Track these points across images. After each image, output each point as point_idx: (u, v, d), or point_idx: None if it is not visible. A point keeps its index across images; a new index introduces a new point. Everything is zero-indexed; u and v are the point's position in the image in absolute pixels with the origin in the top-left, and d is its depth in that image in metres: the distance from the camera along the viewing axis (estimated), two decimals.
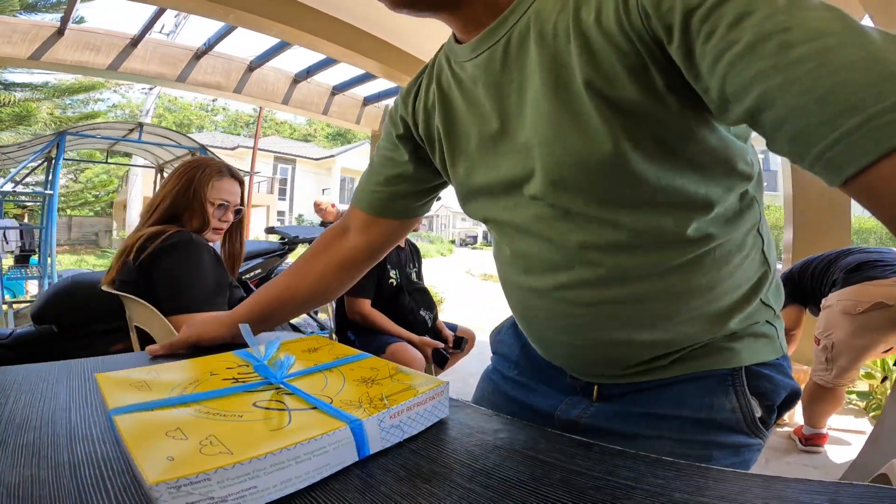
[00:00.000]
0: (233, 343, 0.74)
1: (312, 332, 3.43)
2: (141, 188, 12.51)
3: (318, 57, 4.88)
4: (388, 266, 2.29)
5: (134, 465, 0.34)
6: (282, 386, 0.47)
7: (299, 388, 0.46)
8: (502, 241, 0.65)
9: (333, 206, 4.89)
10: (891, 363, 3.04)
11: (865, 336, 2.21)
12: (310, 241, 3.04)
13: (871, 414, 3.05)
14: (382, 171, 0.75)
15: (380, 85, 5.82)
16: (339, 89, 5.77)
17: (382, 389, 0.46)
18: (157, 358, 0.71)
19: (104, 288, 1.36)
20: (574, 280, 0.56)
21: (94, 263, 12.64)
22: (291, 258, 3.79)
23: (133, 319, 1.35)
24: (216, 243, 1.50)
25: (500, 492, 0.35)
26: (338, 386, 0.47)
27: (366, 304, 2.21)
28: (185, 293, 1.24)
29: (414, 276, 2.47)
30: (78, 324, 1.89)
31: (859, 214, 13.43)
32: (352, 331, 2.29)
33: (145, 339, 1.37)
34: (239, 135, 27.28)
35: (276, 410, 0.42)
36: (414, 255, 2.53)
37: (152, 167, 7.98)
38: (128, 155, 9.46)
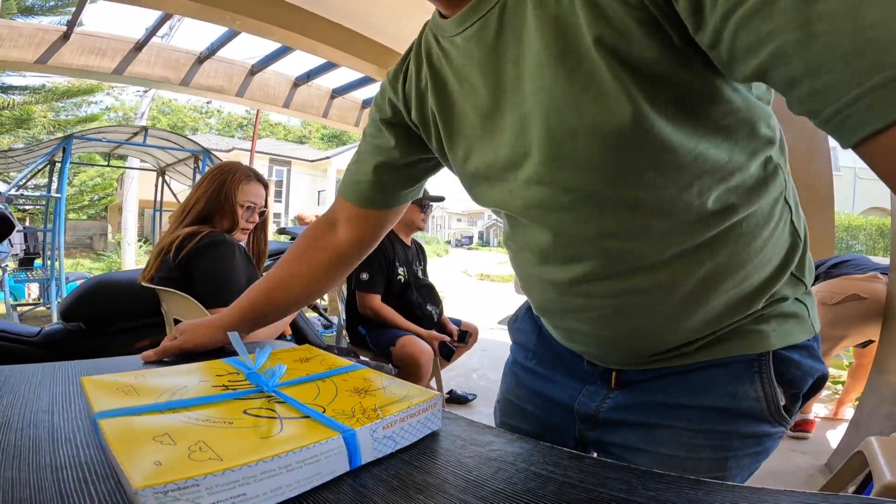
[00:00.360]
0: (224, 350, 0.73)
1: (319, 332, 3.49)
2: (137, 191, 12.49)
3: (319, 61, 4.98)
4: (397, 263, 2.40)
5: (119, 470, 0.33)
6: (273, 394, 0.46)
7: (291, 396, 0.46)
8: (513, 229, 0.61)
9: (317, 216, 4.96)
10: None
11: (841, 326, 2.37)
12: None
13: (856, 403, 3.19)
14: (370, 159, 0.71)
15: (378, 88, 5.92)
16: (338, 92, 5.87)
17: (375, 400, 0.46)
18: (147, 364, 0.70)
19: (143, 284, 1.46)
20: (592, 271, 0.52)
21: (91, 267, 12.62)
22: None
23: (172, 313, 1.45)
24: (241, 242, 1.60)
25: (493, 503, 0.36)
26: (330, 396, 0.47)
27: (376, 300, 2.32)
28: (222, 289, 1.35)
29: (420, 273, 2.59)
30: (105, 321, 1.98)
31: (849, 212, 13.65)
32: (363, 325, 2.40)
33: None
34: (233, 137, 27.25)
35: (267, 418, 0.41)
36: (420, 253, 2.64)
37: (153, 170, 8.04)
38: (122, 157, 9.50)
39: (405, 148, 0.68)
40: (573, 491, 0.38)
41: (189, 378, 0.51)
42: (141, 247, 14.40)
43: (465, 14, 0.51)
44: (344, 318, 2.58)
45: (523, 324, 0.80)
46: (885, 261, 2.41)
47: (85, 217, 19.51)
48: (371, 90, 6.01)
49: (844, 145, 0.33)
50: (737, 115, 0.45)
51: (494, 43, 0.49)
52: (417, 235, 2.68)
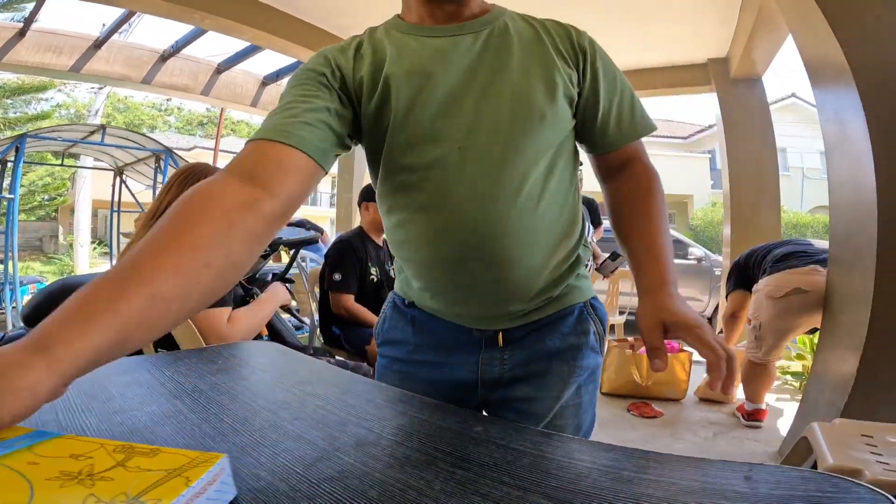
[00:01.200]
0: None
1: (305, 331, 3.41)
2: (90, 192, 11.98)
3: (289, 60, 4.94)
4: (370, 264, 2.43)
5: None
6: None
7: None
8: (460, 175, 0.69)
9: None
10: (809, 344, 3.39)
11: (786, 318, 2.54)
12: (293, 243, 3.10)
13: (803, 392, 3.40)
14: (318, 103, 0.65)
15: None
16: None
17: (123, 486, 0.29)
18: None
19: None
20: (503, 190, 0.69)
21: (42, 270, 12.04)
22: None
23: None
24: None
25: (479, 473, 0.41)
26: (21, 494, 0.27)
27: (350, 300, 2.34)
28: None
29: (392, 272, 2.62)
30: None
31: (797, 210, 14.36)
32: (336, 325, 2.41)
33: None
34: (195, 135, 26.44)
35: None
36: (391, 253, 2.68)
37: (110, 170, 7.76)
38: (74, 156, 9.12)
39: (342, 106, 0.69)
40: (545, 462, 0.44)
41: None
42: (95, 249, 13.82)
43: (453, 28, 0.73)
44: (317, 318, 2.59)
45: (394, 322, 0.85)
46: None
47: (34, 218, 18.54)
48: None
49: (597, 151, 0.81)
50: (580, 126, 0.78)
51: (480, 52, 0.72)
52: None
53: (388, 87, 0.69)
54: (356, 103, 0.71)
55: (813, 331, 2.72)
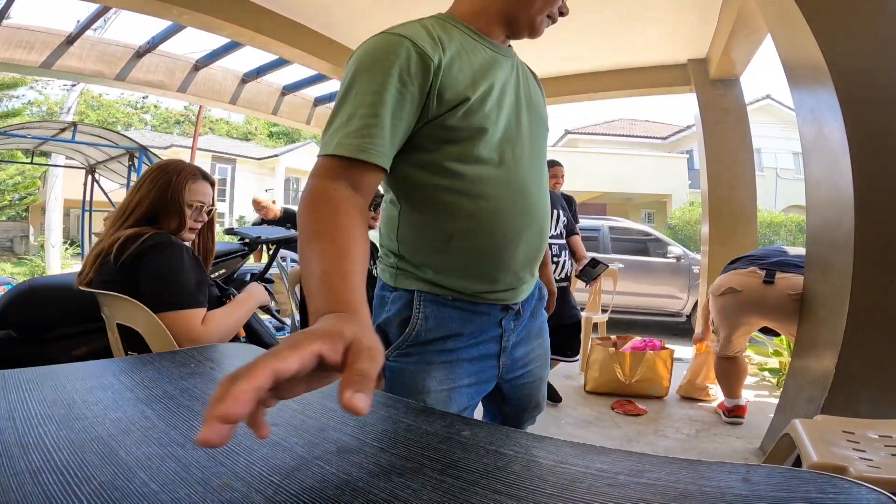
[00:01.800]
0: None
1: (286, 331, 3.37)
2: (62, 190, 11.66)
3: (270, 57, 4.85)
4: None
5: None
6: None
7: None
8: (522, 160, 0.88)
9: (275, 202, 4.85)
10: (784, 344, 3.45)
11: (724, 314, 2.67)
12: (274, 242, 3.04)
13: (782, 388, 3.46)
14: (406, 123, 0.77)
15: (331, 86, 5.83)
16: (289, 89, 5.73)
17: None
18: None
19: (81, 288, 1.39)
20: (542, 177, 0.94)
21: (12, 272, 11.66)
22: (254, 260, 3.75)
23: (115, 318, 1.38)
24: (188, 242, 1.55)
25: (469, 481, 0.39)
26: None
27: None
28: (171, 291, 1.30)
29: (374, 271, 2.58)
30: (38, 328, 1.86)
31: (771, 209, 14.67)
32: None
33: (126, 336, 1.41)
34: (171, 133, 25.90)
35: None
36: (373, 252, 2.64)
37: (81, 168, 7.55)
38: (45, 154, 8.86)
39: (418, 118, 0.79)
40: (537, 467, 0.43)
41: None
42: (67, 249, 13.45)
43: (505, 49, 0.91)
44: (298, 318, 2.54)
45: (439, 321, 0.87)
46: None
47: (4, 218, 17.97)
48: (324, 88, 5.90)
49: None
50: None
51: (517, 74, 0.92)
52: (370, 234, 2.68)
53: (487, 95, 0.82)
54: (432, 105, 0.78)
55: (766, 331, 2.81)
